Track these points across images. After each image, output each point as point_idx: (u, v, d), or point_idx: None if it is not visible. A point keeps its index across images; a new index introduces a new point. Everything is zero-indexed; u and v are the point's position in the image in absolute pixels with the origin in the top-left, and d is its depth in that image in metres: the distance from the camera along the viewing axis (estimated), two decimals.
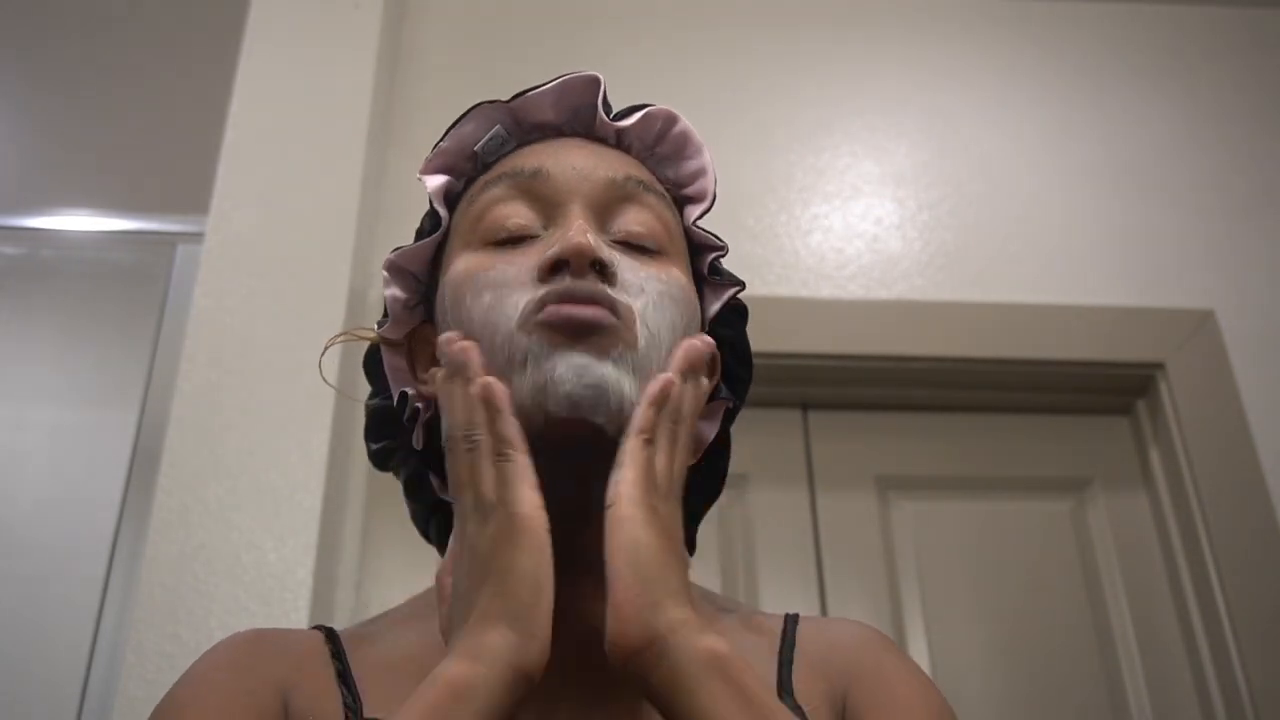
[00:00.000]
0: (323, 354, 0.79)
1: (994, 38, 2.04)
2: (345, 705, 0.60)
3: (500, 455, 0.58)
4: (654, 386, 0.60)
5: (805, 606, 1.51)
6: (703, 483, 0.74)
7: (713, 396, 0.69)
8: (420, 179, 0.71)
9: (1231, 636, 1.54)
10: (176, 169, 1.91)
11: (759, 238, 1.78)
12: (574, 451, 0.60)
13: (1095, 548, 1.70)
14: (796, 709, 0.61)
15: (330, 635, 0.66)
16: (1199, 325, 1.76)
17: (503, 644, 0.54)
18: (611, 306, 0.61)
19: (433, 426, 0.69)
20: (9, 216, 1.81)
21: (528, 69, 1.88)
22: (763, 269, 1.75)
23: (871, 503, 1.70)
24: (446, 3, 1.96)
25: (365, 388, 0.78)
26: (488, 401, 0.59)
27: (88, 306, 1.78)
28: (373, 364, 0.75)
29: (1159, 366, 1.73)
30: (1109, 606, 1.65)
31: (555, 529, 0.57)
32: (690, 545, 0.75)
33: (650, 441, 0.59)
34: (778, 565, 1.62)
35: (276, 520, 1.31)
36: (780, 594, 1.59)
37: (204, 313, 1.43)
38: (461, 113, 0.72)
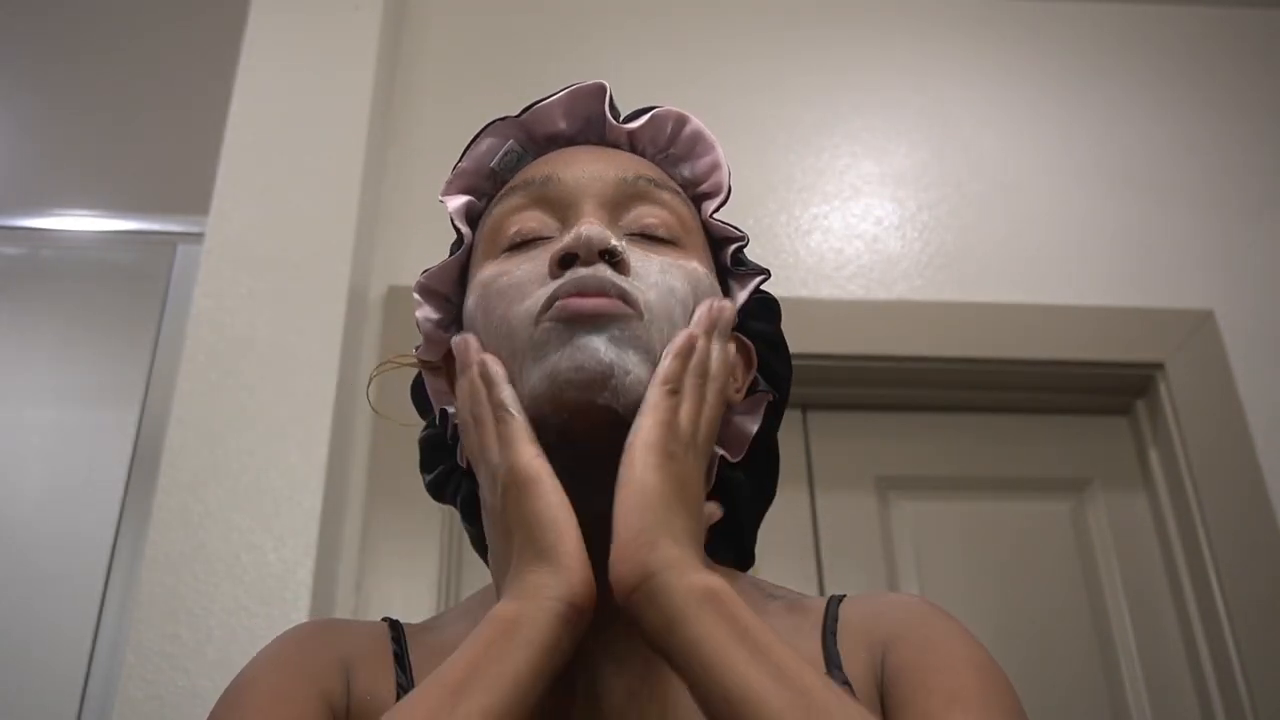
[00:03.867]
0: (369, 384, 0.82)
1: (994, 38, 2.04)
2: (399, 685, 0.63)
3: (499, 420, 0.62)
4: (679, 339, 0.62)
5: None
6: (753, 490, 0.74)
7: (751, 390, 0.70)
8: (442, 201, 0.73)
9: (1230, 636, 1.54)
10: (176, 169, 1.91)
11: (759, 238, 1.78)
12: (591, 440, 0.62)
13: (1095, 548, 1.70)
14: (845, 684, 0.61)
15: (394, 625, 0.69)
16: (1198, 325, 1.76)
17: (542, 581, 0.57)
18: (622, 295, 0.62)
19: None
20: (9, 216, 1.81)
21: (528, 70, 1.90)
22: None
23: (871, 503, 1.70)
24: (446, 3, 1.96)
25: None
26: (484, 376, 0.63)
27: (88, 306, 1.78)
28: (418, 394, 0.77)
29: (1158, 367, 1.73)
30: (1108, 606, 1.65)
31: (586, 521, 0.59)
32: (749, 555, 0.78)
33: (675, 392, 0.61)
34: (778, 565, 1.62)
35: (276, 520, 1.31)
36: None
37: (204, 313, 1.43)
38: (476, 132, 0.73)
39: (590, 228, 0.63)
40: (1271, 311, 1.80)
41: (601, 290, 0.61)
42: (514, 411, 0.61)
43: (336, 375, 1.40)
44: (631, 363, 0.61)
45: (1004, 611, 1.63)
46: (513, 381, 0.63)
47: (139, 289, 1.73)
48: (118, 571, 1.50)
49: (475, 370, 0.63)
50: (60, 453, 1.64)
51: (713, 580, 0.56)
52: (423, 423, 0.78)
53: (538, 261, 0.65)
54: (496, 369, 0.63)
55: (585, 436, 0.62)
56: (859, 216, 1.84)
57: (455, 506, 0.79)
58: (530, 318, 0.63)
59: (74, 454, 1.64)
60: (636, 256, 0.65)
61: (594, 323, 0.61)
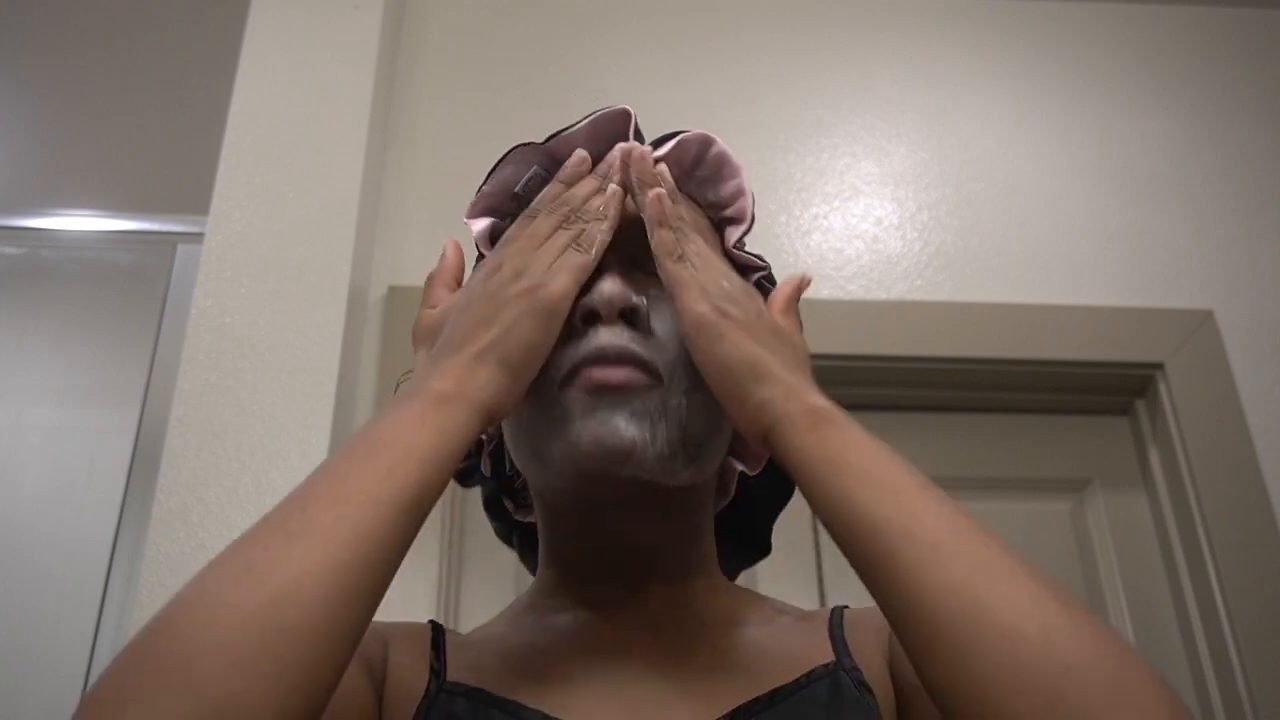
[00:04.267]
0: (395, 389, 0.83)
1: (994, 38, 2.04)
2: (432, 668, 0.64)
3: (578, 247, 0.63)
4: (653, 207, 0.64)
5: (805, 607, 1.51)
6: (772, 493, 0.78)
7: None
8: (467, 223, 0.75)
9: (1230, 636, 1.54)
10: (176, 169, 1.91)
11: (759, 238, 1.78)
12: (613, 500, 0.65)
13: (1094, 548, 1.70)
14: (854, 669, 0.63)
15: (435, 625, 0.70)
16: (1198, 325, 1.76)
17: (489, 382, 0.59)
18: (641, 365, 0.63)
19: (497, 456, 0.74)
20: (9, 216, 1.81)
21: (529, 69, 1.90)
22: None
23: None
24: (446, 3, 1.96)
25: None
26: (606, 201, 0.65)
27: (88, 306, 1.78)
28: None
29: (1158, 367, 1.73)
30: (1108, 606, 1.65)
31: (607, 545, 0.64)
32: (766, 546, 0.82)
33: (680, 259, 0.63)
34: (778, 565, 1.62)
35: None
36: (780, 594, 1.58)
37: (204, 313, 1.43)
38: (500, 156, 0.75)
39: (612, 286, 0.64)
40: (1271, 311, 1.80)
41: (621, 359, 0.62)
42: (593, 253, 0.63)
43: (336, 375, 1.40)
44: (654, 434, 0.62)
45: None
46: (536, 441, 0.64)
47: (139, 289, 1.73)
48: (118, 571, 1.50)
49: (594, 195, 0.65)
50: (60, 453, 1.64)
51: (820, 402, 0.60)
52: None
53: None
54: (620, 204, 0.65)
55: (607, 499, 0.65)
56: (859, 216, 1.84)
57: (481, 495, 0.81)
58: (553, 384, 0.63)
59: (74, 454, 1.64)
60: (656, 309, 0.66)
61: (615, 395, 0.62)
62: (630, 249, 0.67)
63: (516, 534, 0.81)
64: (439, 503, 0.81)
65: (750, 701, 0.60)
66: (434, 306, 0.67)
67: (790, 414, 0.59)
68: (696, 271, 0.63)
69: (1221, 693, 1.55)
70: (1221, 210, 1.89)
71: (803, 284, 0.69)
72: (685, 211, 0.66)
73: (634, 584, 0.67)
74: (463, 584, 1.52)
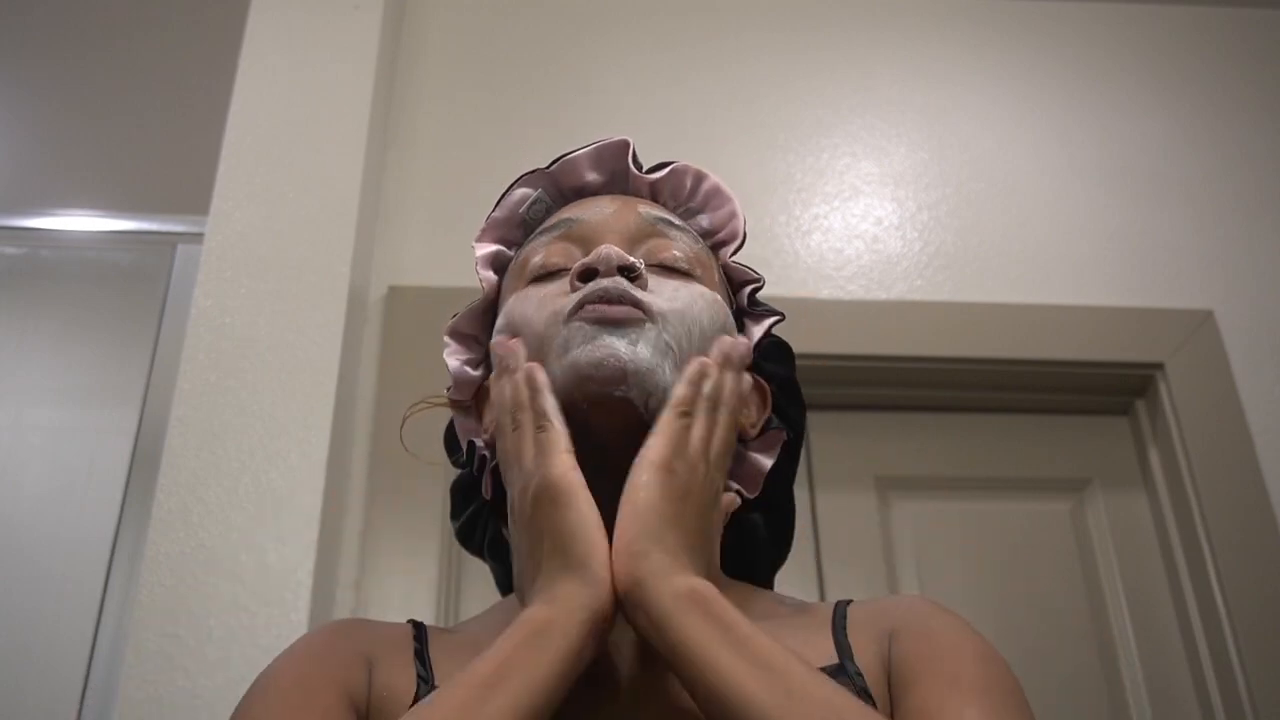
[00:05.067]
0: (402, 425, 0.85)
1: (994, 38, 2.04)
2: (419, 677, 0.65)
3: (539, 428, 0.64)
4: (692, 367, 0.66)
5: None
6: (769, 533, 0.79)
7: (766, 428, 0.75)
8: (474, 247, 0.78)
9: (1230, 636, 1.54)
10: (176, 169, 1.91)
11: (759, 238, 1.78)
12: (610, 433, 0.66)
13: (1094, 548, 1.70)
14: (858, 674, 0.64)
15: (417, 625, 0.71)
16: (1198, 325, 1.76)
17: (572, 591, 0.59)
18: (639, 305, 0.67)
19: (499, 475, 0.74)
20: (9, 216, 1.81)
21: (528, 69, 1.90)
22: (762, 269, 1.72)
23: (871, 503, 1.70)
24: (446, 3, 1.96)
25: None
26: (530, 382, 0.66)
27: (88, 306, 1.78)
28: (450, 437, 0.81)
29: (1158, 367, 1.73)
30: (1108, 606, 1.65)
31: (609, 514, 0.62)
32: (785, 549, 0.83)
33: (686, 414, 0.64)
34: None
35: (276, 520, 1.31)
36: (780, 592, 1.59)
37: (204, 313, 1.43)
38: (510, 183, 0.79)
39: (610, 247, 0.68)
40: (1271, 311, 1.80)
41: (623, 299, 0.67)
42: (554, 421, 0.64)
43: (336, 375, 1.40)
44: (649, 358, 0.66)
45: (1004, 611, 1.63)
46: None
47: (139, 289, 1.73)
48: (118, 571, 1.50)
49: (521, 375, 0.66)
50: (60, 453, 1.64)
51: (697, 583, 0.59)
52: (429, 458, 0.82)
53: (563, 283, 0.71)
54: (541, 376, 0.66)
55: (606, 429, 0.65)
56: (859, 216, 1.84)
57: (483, 551, 0.82)
58: (557, 320, 0.67)
59: (74, 454, 1.64)
60: (654, 280, 0.70)
61: (616, 325, 0.66)
62: (633, 239, 0.72)
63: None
64: (439, 503, 0.82)
65: None
66: None
67: (669, 589, 0.59)
68: (688, 431, 0.64)
69: (1221, 693, 1.55)
70: (1221, 210, 1.89)
71: (727, 347, 0.69)
72: (734, 379, 0.68)
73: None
74: (463, 584, 1.52)
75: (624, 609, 0.60)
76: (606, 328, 0.66)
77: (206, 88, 1.69)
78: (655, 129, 1.84)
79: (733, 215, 0.79)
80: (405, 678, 0.65)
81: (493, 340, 0.72)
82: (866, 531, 1.67)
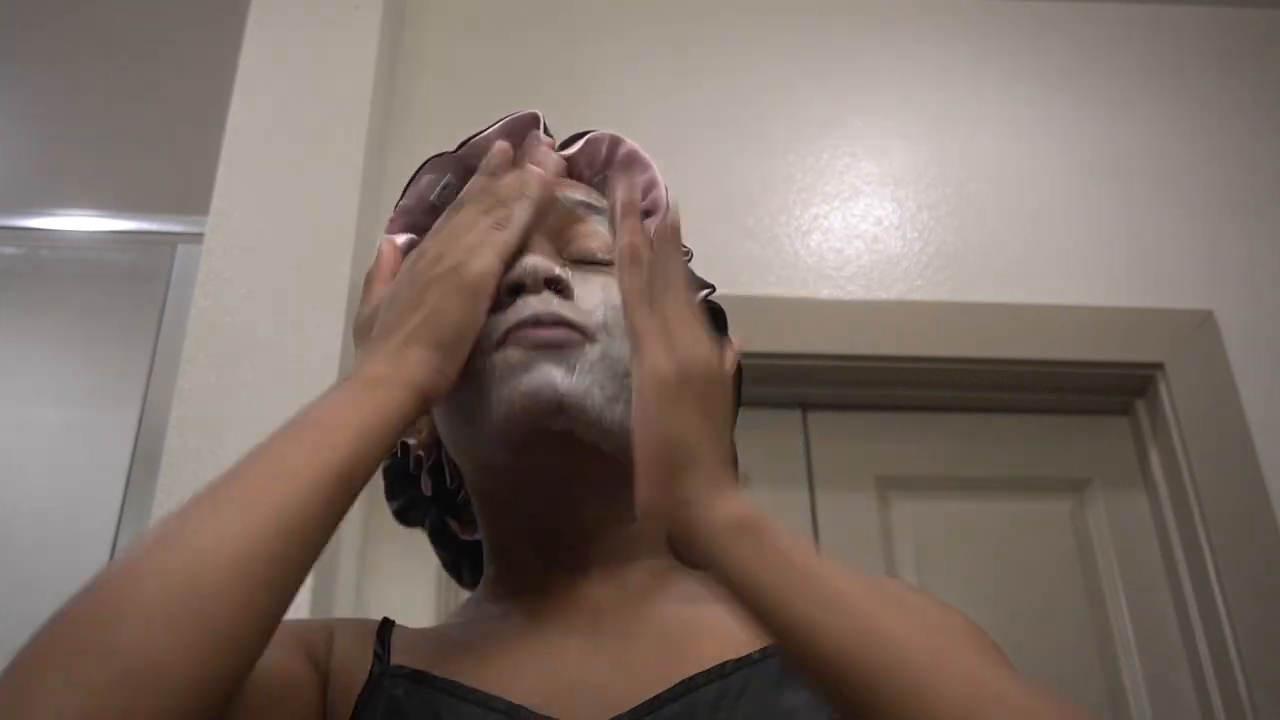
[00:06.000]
0: None
1: (994, 37, 2.04)
2: (375, 654, 0.64)
3: (498, 225, 0.64)
4: (628, 248, 0.61)
5: None
6: None
7: None
8: (386, 239, 0.74)
9: (1231, 636, 1.54)
10: (176, 169, 1.91)
11: (758, 238, 1.78)
12: (546, 461, 0.64)
13: (1095, 548, 1.70)
14: None
15: (388, 620, 0.70)
16: (1198, 325, 1.76)
17: (420, 362, 0.60)
18: (571, 325, 0.64)
19: (436, 473, 0.74)
20: (9, 216, 1.81)
21: (528, 72, 1.89)
22: (762, 269, 1.75)
23: (871, 503, 1.70)
24: (446, 3, 1.96)
25: None
26: (523, 182, 0.65)
27: (88, 306, 1.77)
28: None
29: (1158, 367, 1.73)
30: (1108, 606, 1.65)
31: (551, 532, 0.63)
32: None
33: (652, 305, 0.59)
34: None
35: None
36: None
37: (204, 313, 1.43)
38: (415, 170, 0.75)
39: (535, 259, 0.65)
40: (1271, 311, 1.80)
41: (555, 321, 0.63)
42: (515, 231, 0.64)
43: (336, 375, 1.40)
44: (588, 384, 0.62)
45: (1004, 611, 1.63)
46: (469, 408, 0.64)
47: (139, 289, 1.73)
48: None
49: (512, 179, 0.66)
50: (60, 453, 1.64)
51: (740, 509, 0.54)
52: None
53: None
54: (539, 180, 0.66)
55: (541, 458, 0.64)
56: (859, 216, 1.84)
57: (424, 529, 0.80)
58: (486, 351, 0.63)
59: (74, 454, 1.64)
60: (579, 281, 0.66)
61: (549, 351, 0.62)
62: (555, 231, 0.69)
63: (466, 561, 0.80)
64: (405, 527, 0.81)
65: (695, 675, 0.59)
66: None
67: (714, 520, 0.54)
68: (667, 321, 0.58)
69: (1221, 693, 1.55)
70: (1221, 210, 1.89)
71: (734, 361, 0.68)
72: (675, 254, 0.63)
73: (574, 565, 0.67)
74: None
75: (673, 547, 0.59)
76: (540, 355, 0.62)
77: (206, 88, 1.69)
78: (655, 130, 1.84)
79: (653, 184, 0.72)
80: (361, 654, 0.65)
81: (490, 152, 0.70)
82: (866, 531, 1.67)
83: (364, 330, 0.66)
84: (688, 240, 0.71)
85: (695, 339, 0.58)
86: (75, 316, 1.77)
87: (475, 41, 1.94)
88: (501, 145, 0.69)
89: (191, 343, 1.41)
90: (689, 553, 0.55)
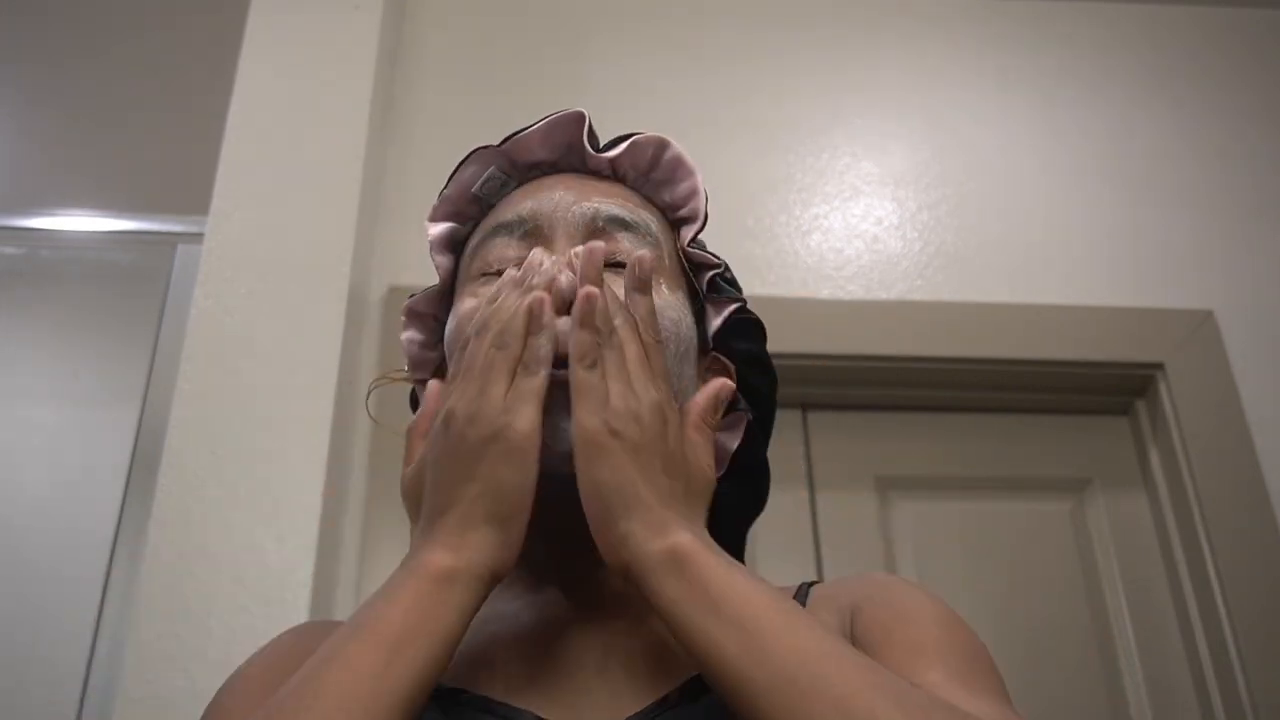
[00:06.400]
0: (367, 397, 0.86)
1: (994, 38, 2.04)
2: None
3: (527, 369, 0.60)
4: (578, 306, 0.61)
5: None
6: (740, 501, 0.76)
7: (731, 409, 0.71)
8: (427, 226, 0.75)
9: (1231, 636, 1.54)
10: (176, 169, 1.91)
11: (759, 238, 1.78)
12: (566, 492, 0.63)
13: (1095, 548, 1.70)
14: None
15: None
16: (1198, 325, 1.76)
17: (484, 544, 0.58)
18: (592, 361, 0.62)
19: None
20: (9, 216, 1.81)
21: (528, 70, 1.89)
22: (762, 269, 1.75)
23: (871, 503, 1.70)
24: (446, 3, 1.96)
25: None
26: (534, 313, 0.61)
27: (88, 306, 1.78)
28: (415, 403, 0.80)
29: (1158, 367, 1.73)
30: (1108, 606, 1.65)
31: (564, 536, 0.62)
32: (738, 560, 0.79)
33: (593, 366, 0.60)
34: (778, 565, 1.62)
35: (276, 520, 1.31)
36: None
37: (204, 313, 1.43)
38: (460, 159, 0.75)
39: (562, 278, 0.63)
40: (1271, 311, 1.80)
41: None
42: (543, 368, 0.60)
43: (336, 375, 1.40)
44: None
45: (1004, 611, 1.63)
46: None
47: (139, 289, 1.73)
48: (118, 571, 1.50)
49: (528, 301, 0.61)
50: (60, 453, 1.64)
51: (675, 542, 0.57)
52: None
53: None
54: (549, 310, 0.61)
55: (553, 487, 0.62)
56: (859, 216, 1.84)
57: None
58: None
59: (74, 454, 1.64)
60: (606, 294, 0.65)
61: (564, 388, 0.61)
62: (582, 239, 0.68)
63: None
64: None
65: (699, 675, 0.59)
66: (412, 463, 0.67)
67: (646, 554, 0.57)
68: (605, 380, 0.60)
69: (1221, 693, 1.55)
70: (1221, 210, 1.89)
71: (722, 394, 0.66)
72: (641, 300, 0.63)
73: (583, 571, 0.67)
74: None
75: (627, 586, 0.59)
76: (554, 388, 0.61)
77: (206, 88, 1.69)
78: (655, 128, 1.83)
79: (693, 192, 0.73)
80: None
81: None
82: (866, 531, 1.67)
83: (412, 497, 0.64)
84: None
85: (629, 393, 0.59)
86: (75, 317, 1.77)
87: (475, 41, 1.94)
88: (510, 274, 0.65)
89: (191, 343, 1.41)
90: (631, 585, 0.58)
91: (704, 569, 0.56)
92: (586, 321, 0.61)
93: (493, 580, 0.58)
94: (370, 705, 0.51)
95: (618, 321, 0.61)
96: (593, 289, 0.61)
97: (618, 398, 0.59)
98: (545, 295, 0.61)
